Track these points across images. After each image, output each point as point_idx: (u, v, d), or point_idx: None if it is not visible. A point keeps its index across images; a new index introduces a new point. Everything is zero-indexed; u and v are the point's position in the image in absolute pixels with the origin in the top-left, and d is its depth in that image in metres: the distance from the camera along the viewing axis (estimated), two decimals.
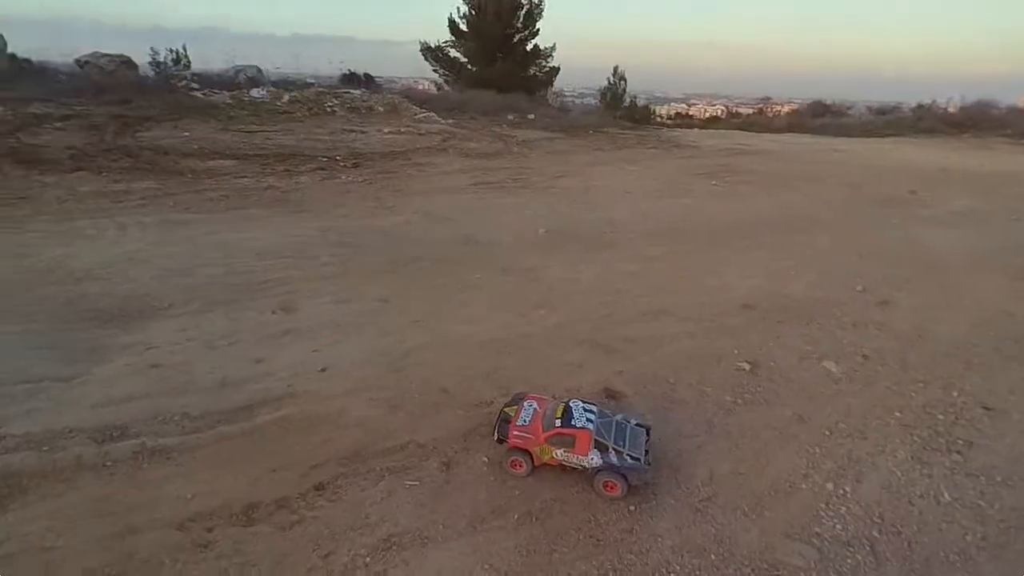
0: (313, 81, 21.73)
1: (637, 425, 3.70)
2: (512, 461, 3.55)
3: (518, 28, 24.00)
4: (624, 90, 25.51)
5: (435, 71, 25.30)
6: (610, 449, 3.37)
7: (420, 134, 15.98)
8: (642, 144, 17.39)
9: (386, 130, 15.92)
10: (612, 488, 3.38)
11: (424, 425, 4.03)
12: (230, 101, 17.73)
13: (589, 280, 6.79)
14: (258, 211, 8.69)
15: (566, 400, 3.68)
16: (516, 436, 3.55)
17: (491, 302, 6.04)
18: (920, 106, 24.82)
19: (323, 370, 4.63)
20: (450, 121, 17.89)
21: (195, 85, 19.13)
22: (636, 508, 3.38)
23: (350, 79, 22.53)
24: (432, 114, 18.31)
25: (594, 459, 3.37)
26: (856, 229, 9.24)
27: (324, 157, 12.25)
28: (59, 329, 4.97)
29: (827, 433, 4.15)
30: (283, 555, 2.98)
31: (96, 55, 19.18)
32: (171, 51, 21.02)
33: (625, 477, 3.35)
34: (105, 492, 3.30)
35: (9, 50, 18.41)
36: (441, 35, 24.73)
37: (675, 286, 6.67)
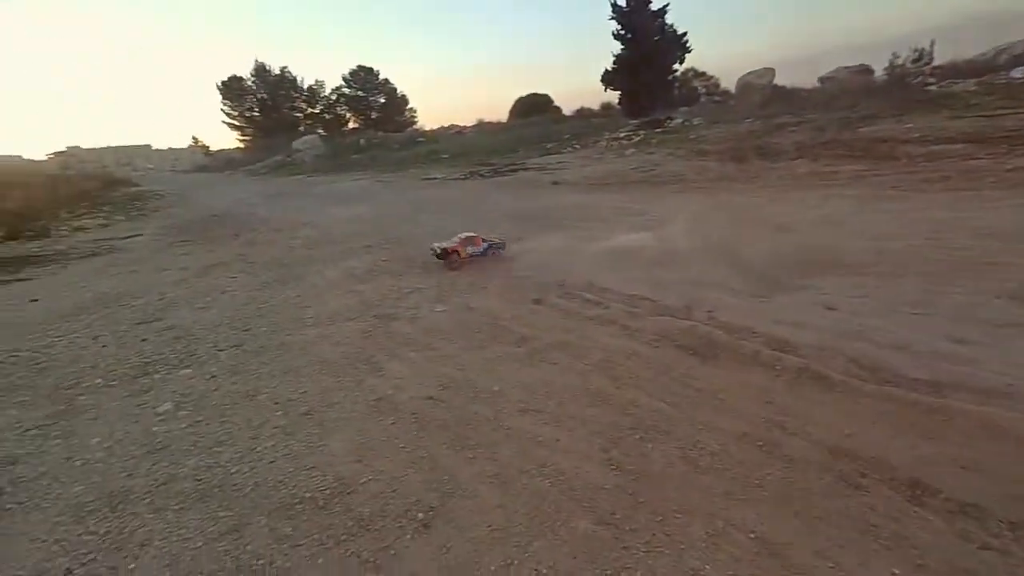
0: None
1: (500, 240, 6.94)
2: (449, 263, 6.48)
3: None
4: None
5: None
6: (489, 243, 6.75)
7: None
8: None
9: None
10: (495, 254, 6.77)
11: None
12: (974, 88, 14.95)
13: None
14: (990, 192, 6.69)
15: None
16: (449, 246, 6.54)
17: None
18: None
19: None
20: None
21: (931, 79, 17.36)
22: None
23: None
24: None
25: (484, 246, 6.70)
26: None
27: None
28: (760, 267, 5.69)
29: None
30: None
31: (838, 70, 21.01)
32: (915, 50, 19.80)
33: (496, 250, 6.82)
34: (771, 387, 3.45)
35: (774, 81, 23.41)
36: None
37: None
